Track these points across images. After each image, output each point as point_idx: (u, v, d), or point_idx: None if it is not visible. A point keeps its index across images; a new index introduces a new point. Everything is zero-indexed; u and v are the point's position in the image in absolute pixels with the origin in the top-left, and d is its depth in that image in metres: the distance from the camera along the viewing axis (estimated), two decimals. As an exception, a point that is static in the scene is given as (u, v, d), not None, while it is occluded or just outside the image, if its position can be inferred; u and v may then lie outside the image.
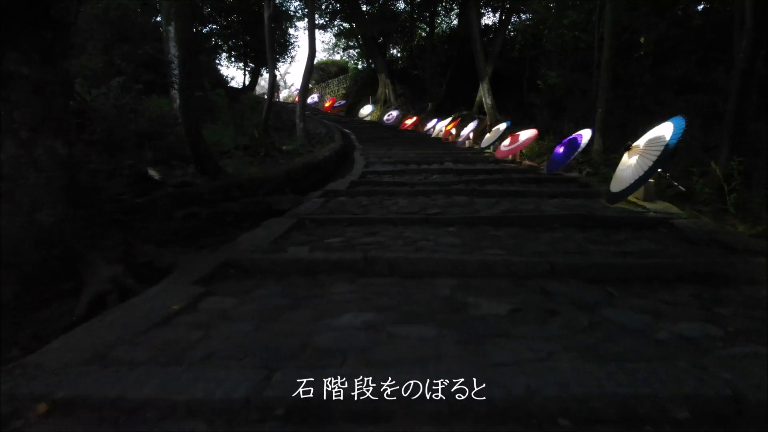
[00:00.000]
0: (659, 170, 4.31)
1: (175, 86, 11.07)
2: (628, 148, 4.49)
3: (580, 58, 11.75)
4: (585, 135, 6.73)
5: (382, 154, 10.10)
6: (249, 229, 3.58)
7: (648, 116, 9.33)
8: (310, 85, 29.93)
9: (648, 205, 4.23)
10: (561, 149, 6.83)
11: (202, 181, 6.17)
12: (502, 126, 10.30)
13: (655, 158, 4.09)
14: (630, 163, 4.35)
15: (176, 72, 11.19)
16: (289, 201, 4.49)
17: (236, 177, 6.03)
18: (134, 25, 9.69)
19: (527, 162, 8.41)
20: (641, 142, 4.45)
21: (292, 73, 62.11)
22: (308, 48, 11.88)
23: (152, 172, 5.63)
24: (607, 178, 6.65)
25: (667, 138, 4.15)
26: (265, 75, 25.89)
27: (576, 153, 6.57)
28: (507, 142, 8.69)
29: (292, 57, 28.39)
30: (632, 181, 4.18)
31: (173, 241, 3.48)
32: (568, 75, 10.83)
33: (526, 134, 8.50)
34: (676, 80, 10.11)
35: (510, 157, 8.58)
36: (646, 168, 4.13)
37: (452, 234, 3.38)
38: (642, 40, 10.72)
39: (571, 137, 6.89)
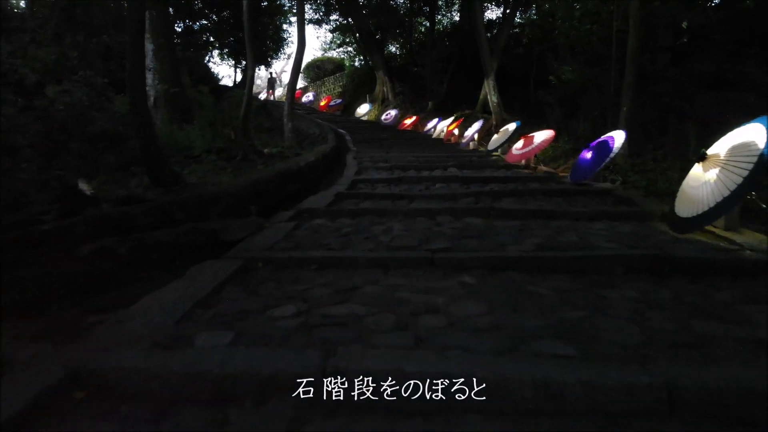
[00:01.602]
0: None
1: (148, 81, 9.93)
2: (702, 158, 3.29)
3: (595, 51, 10.55)
4: (618, 138, 5.53)
5: (378, 158, 8.90)
6: (173, 276, 2.40)
7: (677, 115, 8.17)
8: (306, 83, 28.71)
9: (734, 236, 3.04)
10: (589, 154, 5.63)
11: (153, 195, 4.99)
12: (512, 126, 9.10)
13: (746, 173, 2.90)
14: (707, 178, 3.15)
15: (151, 66, 10.05)
16: (244, 227, 3.29)
17: (198, 189, 4.86)
18: (89, 11, 8.47)
19: (543, 167, 7.22)
20: (720, 149, 3.25)
21: (288, 71, 60.42)
22: (297, 40, 10.68)
23: (82, 186, 4.44)
24: (640, 187, 5.47)
25: (761, 145, 2.96)
26: (262, 73, 24.65)
27: (608, 159, 5.38)
28: (519, 144, 7.49)
29: (288, 55, 27.18)
30: (713, 204, 2.99)
31: (51, 300, 2.29)
32: (585, 70, 9.62)
33: (541, 136, 7.31)
34: (706, 75, 8.92)
35: (523, 161, 7.39)
36: (732, 186, 2.94)
37: (471, 291, 2.18)
38: (684, 25, 9.51)
39: (600, 140, 5.69)
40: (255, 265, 2.60)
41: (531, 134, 7.50)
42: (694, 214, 3.11)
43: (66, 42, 7.57)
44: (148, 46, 9.75)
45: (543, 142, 7.11)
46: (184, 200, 3.68)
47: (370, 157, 9.11)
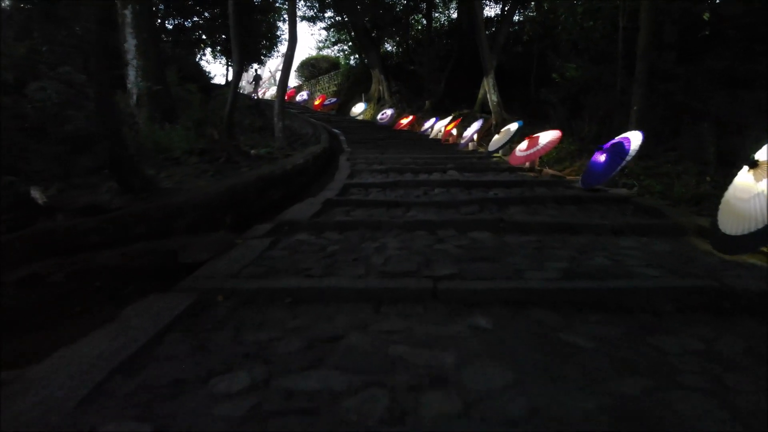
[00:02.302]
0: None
1: (131, 78, 9.37)
2: (753, 165, 2.76)
3: (599, 48, 10.04)
4: (634, 139, 5.01)
5: (373, 159, 8.36)
6: (114, 312, 1.86)
7: (691, 115, 7.67)
8: (300, 82, 28.07)
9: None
10: (602, 157, 5.11)
11: (121, 202, 4.44)
12: (513, 126, 8.58)
13: (812, 183, 2.39)
14: (760, 189, 2.64)
15: (134, 62, 9.47)
16: (210, 245, 2.74)
17: (166, 197, 4.32)
18: (72, 7, 7.88)
19: (549, 170, 6.70)
20: (774, 154, 2.73)
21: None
22: (288, 35, 10.11)
23: (35, 194, 3.87)
24: (654, 192, 4.96)
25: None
26: (259, 71, 24.01)
27: (624, 163, 4.86)
28: (524, 146, 6.97)
29: (283, 53, 26.48)
30: (769, 221, 2.47)
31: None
32: (590, 67, 9.11)
33: (546, 137, 6.79)
34: (718, 73, 8.42)
35: (527, 164, 6.87)
36: (795, 199, 2.43)
37: (488, 342, 1.64)
38: (706, 16, 9.02)
39: (615, 141, 5.17)
40: (214, 299, 2.05)
41: (536, 135, 6.98)
42: (746, 232, 2.59)
43: (36, 37, 6.98)
44: (131, 42, 9.17)
45: (549, 143, 6.59)
46: (144, 212, 3.12)
47: (365, 158, 8.57)
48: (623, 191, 4.88)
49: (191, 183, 5.47)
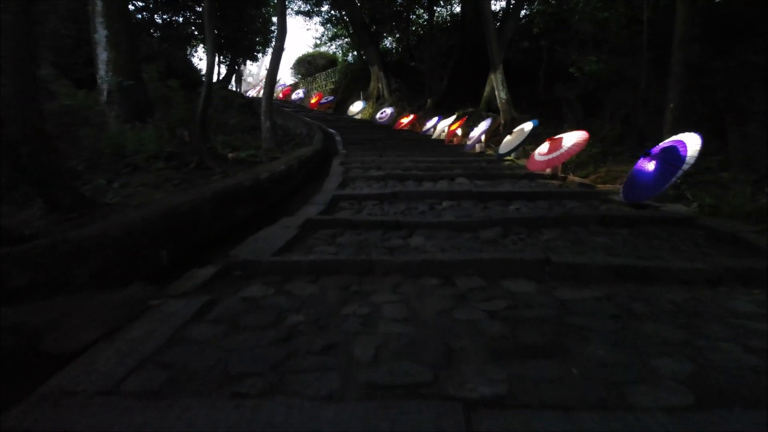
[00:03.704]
0: None
1: (100, 73, 8.34)
2: None
3: (620, 41, 8.99)
4: (690, 143, 3.97)
5: (370, 163, 7.32)
6: None
7: (736, 114, 6.62)
8: (296, 80, 26.92)
9: None
10: (650, 165, 4.06)
11: (45, 225, 3.42)
12: (528, 126, 7.52)
13: None
14: None
15: (104, 57, 8.42)
16: (102, 315, 1.70)
17: (106, 218, 3.34)
18: None
19: (574, 178, 5.65)
20: None
21: (282, 69, 58.19)
22: (277, 26, 9.07)
23: None
24: (705, 205, 3.91)
25: None
26: (253, 69, 22.78)
27: (680, 173, 3.82)
28: (544, 149, 5.92)
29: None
30: None
31: None
32: (616, 59, 8.05)
33: (571, 138, 5.74)
34: (759, 67, 7.37)
35: (548, 170, 5.83)
36: None
37: None
38: None
39: (665, 146, 4.13)
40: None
41: (558, 136, 5.94)
42: None
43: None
44: (101, 32, 8.13)
45: (574, 146, 5.55)
46: (25, 253, 2.07)
47: (361, 161, 7.53)
48: (682, 209, 3.84)
49: (147, 196, 4.44)
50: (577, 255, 2.58)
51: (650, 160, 4.05)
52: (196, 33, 19.43)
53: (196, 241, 2.95)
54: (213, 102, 7.93)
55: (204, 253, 2.86)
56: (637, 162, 4.28)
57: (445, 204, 4.41)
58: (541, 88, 12.56)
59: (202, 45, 20.14)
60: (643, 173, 4.07)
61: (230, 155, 6.27)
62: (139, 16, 17.11)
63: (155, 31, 17.82)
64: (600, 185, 5.47)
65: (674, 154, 3.96)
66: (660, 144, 4.17)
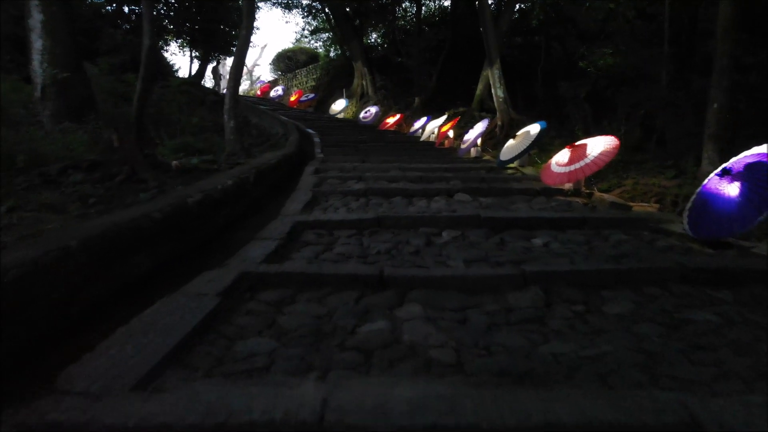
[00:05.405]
0: None
1: (35, 64, 6.94)
2: None
3: (636, 32, 7.92)
4: (785, 156, 2.83)
5: (350, 171, 6.09)
6: None
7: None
8: (275, 77, 25.44)
9: None
10: (733, 188, 2.91)
11: None
12: (534, 128, 6.35)
13: None
14: None
15: (38, 45, 7.02)
16: None
17: None
18: None
19: (603, 195, 4.50)
20: None
21: (261, 65, 56.55)
22: (244, 11, 7.76)
23: None
24: None
25: None
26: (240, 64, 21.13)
27: (777, 198, 2.68)
28: (563, 157, 4.74)
29: (263, 45, 24.07)
30: None
31: None
32: (634, 52, 6.94)
33: (598, 145, 4.58)
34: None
35: (569, 185, 4.67)
36: None
37: None
38: None
39: (749, 162, 2.97)
40: None
41: (581, 142, 4.78)
42: None
43: None
44: (36, 17, 6.71)
45: (603, 155, 4.39)
46: None
47: (339, 169, 6.30)
48: (780, 250, 2.69)
49: (35, 227, 3.12)
50: (716, 380, 1.38)
51: (731, 181, 2.90)
52: (170, 27, 17.91)
53: (41, 331, 1.68)
54: (153, 96, 6.61)
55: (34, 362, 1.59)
56: (707, 181, 3.12)
57: (445, 236, 3.21)
58: (539, 86, 11.47)
59: (180, 41, 18.60)
60: (723, 199, 2.91)
61: (174, 163, 4.97)
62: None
63: (123, 24, 16.30)
64: (633, 204, 4.33)
65: (763, 173, 2.82)
66: (740, 157, 3.01)
